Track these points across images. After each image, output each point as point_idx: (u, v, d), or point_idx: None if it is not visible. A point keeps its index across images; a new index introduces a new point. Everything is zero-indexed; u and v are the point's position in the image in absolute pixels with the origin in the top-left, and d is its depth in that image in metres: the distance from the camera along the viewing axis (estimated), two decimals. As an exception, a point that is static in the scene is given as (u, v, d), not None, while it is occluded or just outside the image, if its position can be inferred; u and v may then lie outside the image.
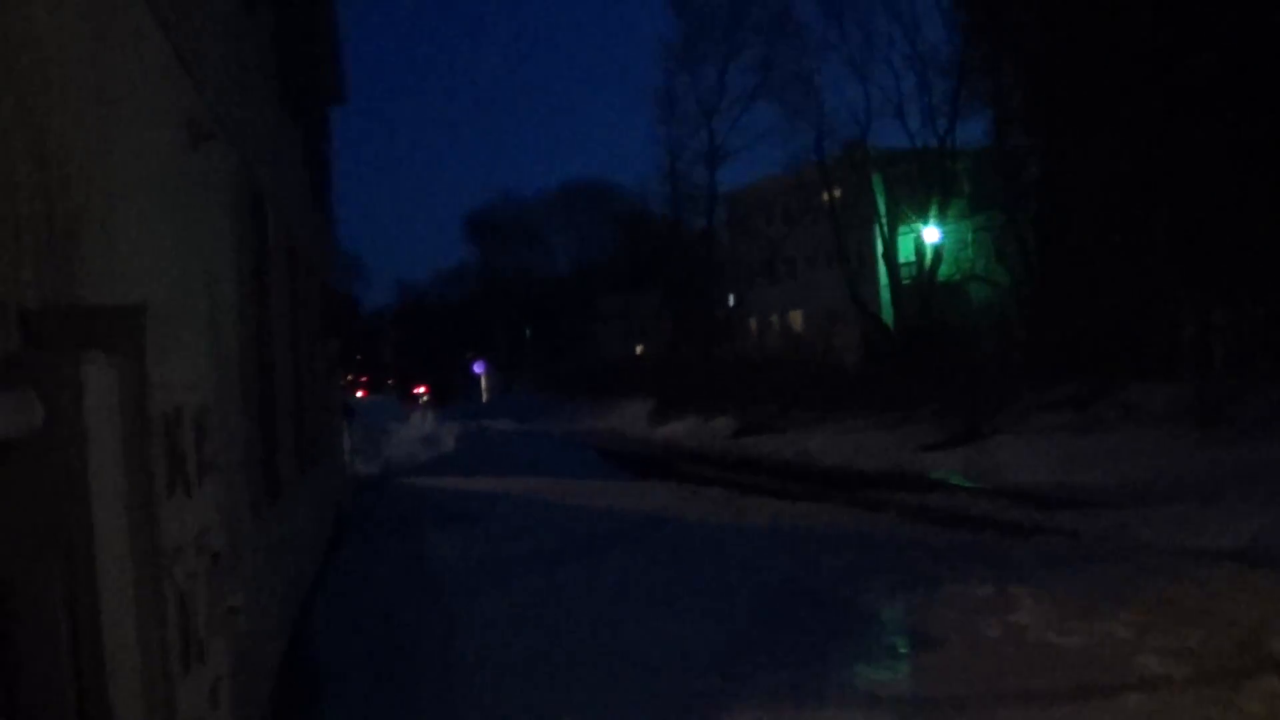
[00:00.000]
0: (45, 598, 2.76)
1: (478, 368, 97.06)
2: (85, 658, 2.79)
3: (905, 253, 56.81)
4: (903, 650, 10.61)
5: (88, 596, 2.79)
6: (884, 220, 55.52)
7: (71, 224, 3.55)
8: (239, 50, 8.59)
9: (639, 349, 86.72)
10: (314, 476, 14.55)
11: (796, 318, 70.74)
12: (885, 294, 57.50)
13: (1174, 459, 22.55)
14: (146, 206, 4.89)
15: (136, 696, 2.94)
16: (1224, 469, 20.74)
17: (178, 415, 3.35)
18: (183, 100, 6.06)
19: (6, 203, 2.98)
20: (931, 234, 52.40)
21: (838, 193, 57.55)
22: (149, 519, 3.04)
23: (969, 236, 53.28)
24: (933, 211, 52.04)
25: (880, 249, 56.38)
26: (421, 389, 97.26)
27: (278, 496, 9.49)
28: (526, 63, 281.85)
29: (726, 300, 73.45)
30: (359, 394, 69.94)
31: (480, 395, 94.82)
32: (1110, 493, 20.74)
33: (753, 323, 73.26)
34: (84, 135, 3.79)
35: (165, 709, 3.08)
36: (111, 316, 3.14)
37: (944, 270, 52.37)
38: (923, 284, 52.77)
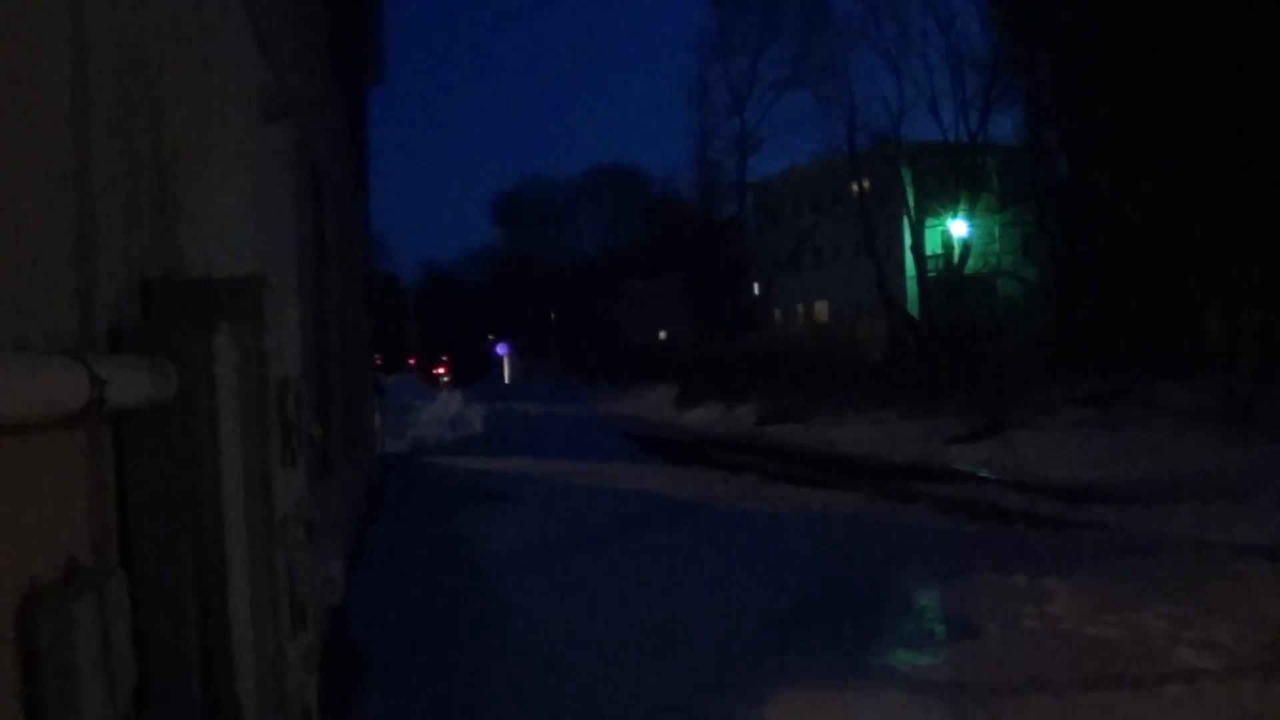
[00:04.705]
0: (174, 563, 2.86)
1: (500, 349, 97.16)
2: (210, 621, 2.89)
3: (933, 246, 56.79)
4: (940, 637, 10.68)
5: (215, 562, 2.89)
6: (912, 213, 55.41)
7: (177, 198, 3.65)
8: (303, 28, 8.70)
9: (662, 334, 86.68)
10: (353, 454, 14.68)
11: (822, 308, 70.65)
12: (912, 286, 57.38)
13: (1199, 456, 22.57)
14: (233, 182, 5.00)
15: (255, 661, 3.04)
16: (1249, 466, 20.77)
17: (284, 386, 3.45)
18: (258, 77, 6.17)
19: (130, 179, 3.08)
20: (960, 228, 52.31)
21: (867, 184, 57.46)
22: (266, 488, 3.14)
23: (997, 231, 53.23)
24: (961, 206, 51.95)
25: (908, 242, 56.31)
26: (441, 369, 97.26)
27: (328, 474, 9.61)
28: (557, 46, 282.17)
29: (752, 289, 73.41)
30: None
31: (502, 377, 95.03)
32: (1136, 488, 20.73)
33: (778, 312, 73.14)
34: (183, 114, 3.90)
35: (279, 674, 3.18)
36: (232, 288, 3.23)
37: (971, 264, 52.32)
38: (950, 278, 52.70)
